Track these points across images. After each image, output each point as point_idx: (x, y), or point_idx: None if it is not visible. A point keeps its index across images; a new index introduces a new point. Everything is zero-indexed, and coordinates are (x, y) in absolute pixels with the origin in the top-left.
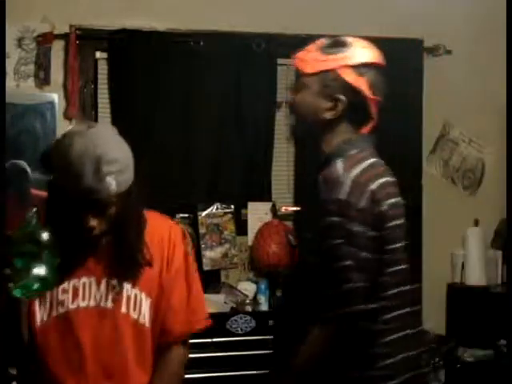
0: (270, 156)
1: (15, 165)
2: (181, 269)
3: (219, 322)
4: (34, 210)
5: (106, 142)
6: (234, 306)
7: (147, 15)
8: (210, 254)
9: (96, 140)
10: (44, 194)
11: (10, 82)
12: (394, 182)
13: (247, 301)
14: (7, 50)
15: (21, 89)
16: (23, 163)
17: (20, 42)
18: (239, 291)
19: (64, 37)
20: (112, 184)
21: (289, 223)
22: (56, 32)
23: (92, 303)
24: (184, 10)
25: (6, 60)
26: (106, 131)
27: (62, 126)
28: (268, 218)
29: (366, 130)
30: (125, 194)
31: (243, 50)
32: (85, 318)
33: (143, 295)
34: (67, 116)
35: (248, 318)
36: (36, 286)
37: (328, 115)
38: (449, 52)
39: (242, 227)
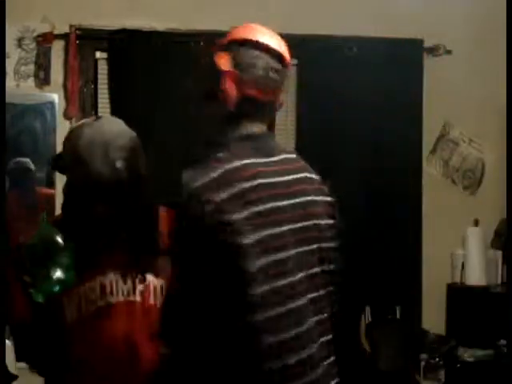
0: None
1: (20, 163)
2: None
3: None
4: (44, 214)
5: (113, 130)
6: None
7: (147, 15)
8: None
9: (103, 129)
10: (50, 191)
11: (10, 82)
12: None
13: None
14: (7, 50)
15: (21, 89)
16: (28, 161)
17: (20, 41)
18: None
19: (64, 37)
20: (121, 169)
21: None
22: (56, 32)
23: (121, 298)
24: (184, 10)
25: (6, 60)
26: (113, 121)
27: (62, 126)
28: None
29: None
30: (136, 181)
31: None
32: (115, 313)
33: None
34: (67, 116)
35: None
36: (56, 288)
37: None
38: (449, 52)
39: None
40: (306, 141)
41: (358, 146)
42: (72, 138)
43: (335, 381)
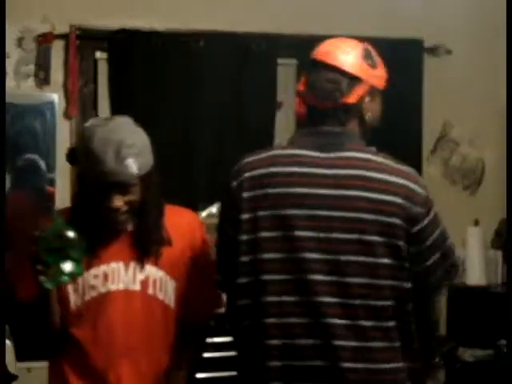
0: None
1: (30, 160)
2: (201, 251)
3: (220, 322)
4: (58, 209)
5: (124, 129)
6: None
7: (147, 15)
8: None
9: (115, 128)
10: (52, 189)
11: (10, 82)
12: None
13: None
14: (7, 50)
15: (21, 89)
16: (37, 158)
17: (20, 41)
18: None
19: (64, 37)
20: (132, 166)
21: None
22: (56, 32)
23: (121, 286)
24: (184, 10)
25: (6, 60)
26: (124, 121)
27: (62, 126)
28: None
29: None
30: (145, 177)
31: (243, 50)
32: (115, 300)
33: (168, 278)
34: (67, 116)
35: None
36: (65, 278)
37: None
38: (449, 52)
39: None
40: None
41: None
42: (85, 135)
43: None
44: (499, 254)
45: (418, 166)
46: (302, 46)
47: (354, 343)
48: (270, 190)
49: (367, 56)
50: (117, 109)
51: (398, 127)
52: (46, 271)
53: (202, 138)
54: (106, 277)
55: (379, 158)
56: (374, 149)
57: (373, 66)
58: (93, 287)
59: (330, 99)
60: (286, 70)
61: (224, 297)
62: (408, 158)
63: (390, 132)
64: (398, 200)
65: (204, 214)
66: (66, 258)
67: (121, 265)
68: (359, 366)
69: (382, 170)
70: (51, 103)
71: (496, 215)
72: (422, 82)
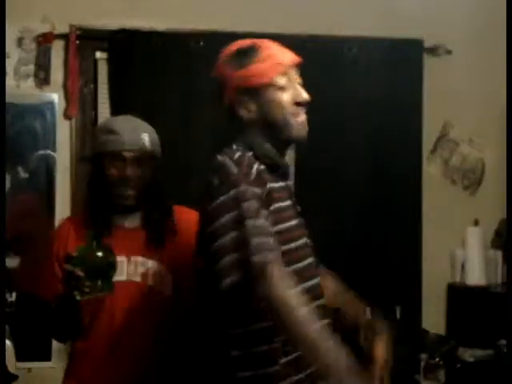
0: None
1: (44, 156)
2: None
3: None
4: (92, 232)
5: (140, 119)
6: None
7: (147, 15)
8: None
9: (132, 117)
10: None
11: (10, 82)
12: None
13: None
14: (7, 50)
15: (21, 89)
16: (53, 154)
17: (20, 41)
18: None
19: (64, 37)
20: (146, 140)
21: None
22: (56, 32)
23: (124, 278)
24: (184, 9)
25: (6, 60)
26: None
27: (62, 126)
28: None
29: None
30: (154, 159)
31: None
32: (119, 289)
33: (167, 271)
34: (67, 116)
35: None
36: (96, 294)
37: None
38: (449, 52)
39: None
40: (306, 140)
41: (357, 146)
42: (106, 125)
43: None
44: (499, 254)
45: (418, 166)
46: (302, 46)
47: None
48: None
49: (233, 57)
50: (117, 109)
51: (398, 127)
52: (79, 286)
53: (201, 138)
54: None
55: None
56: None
57: (240, 66)
58: None
59: None
60: None
61: None
62: (408, 158)
63: (389, 132)
64: None
65: None
66: (98, 274)
67: (124, 259)
68: None
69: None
70: (51, 103)
71: (496, 215)
72: (422, 82)
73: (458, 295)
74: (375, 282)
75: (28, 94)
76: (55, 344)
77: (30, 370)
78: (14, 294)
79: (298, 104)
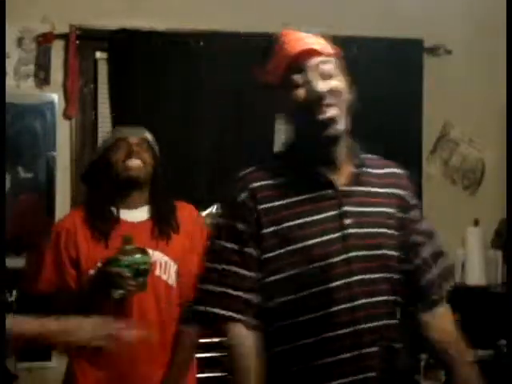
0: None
1: (44, 155)
2: (201, 239)
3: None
4: (130, 236)
5: None
6: None
7: (147, 15)
8: None
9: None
10: None
11: (10, 82)
12: None
13: None
14: (7, 50)
15: (21, 89)
16: (53, 154)
17: (20, 41)
18: None
19: (64, 37)
20: (147, 134)
21: None
22: (56, 32)
23: None
24: (184, 9)
25: (6, 60)
26: None
27: (62, 126)
28: None
29: None
30: (155, 155)
31: (243, 49)
32: None
33: (172, 262)
34: (67, 116)
35: None
36: (138, 292)
37: None
38: (449, 52)
39: None
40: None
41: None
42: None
43: None
44: (499, 254)
45: (418, 166)
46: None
47: None
48: None
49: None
50: (117, 109)
51: (398, 127)
52: (124, 286)
53: (201, 138)
54: None
55: None
56: None
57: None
58: None
59: None
60: None
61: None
62: (408, 157)
63: (389, 132)
64: None
65: (204, 214)
66: (139, 274)
67: None
68: None
69: None
70: (51, 103)
71: (496, 215)
72: (422, 82)
73: (458, 295)
74: None
75: (28, 93)
76: None
77: (30, 369)
78: (14, 294)
79: (314, 99)
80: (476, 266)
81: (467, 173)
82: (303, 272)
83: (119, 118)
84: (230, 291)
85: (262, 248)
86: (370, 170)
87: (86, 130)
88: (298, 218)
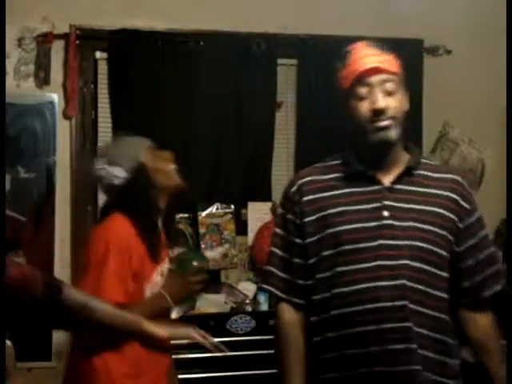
0: (270, 156)
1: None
2: None
3: (219, 322)
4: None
5: None
6: (234, 306)
7: (147, 15)
8: (210, 254)
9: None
10: None
11: (10, 82)
12: None
13: (247, 301)
14: (7, 50)
15: (21, 89)
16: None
17: (20, 41)
18: (239, 291)
19: (64, 37)
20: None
21: None
22: (56, 32)
23: (159, 279)
24: (184, 10)
25: (6, 60)
26: None
27: (62, 126)
28: (268, 218)
29: None
30: None
31: (243, 50)
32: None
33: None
34: (67, 116)
35: (248, 317)
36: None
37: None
38: (449, 52)
39: (242, 227)
40: (306, 141)
41: None
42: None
43: None
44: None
45: None
46: (302, 46)
47: None
48: None
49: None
50: (117, 109)
51: None
52: (205, 288)
53: (201, 138)
54: (163, 274)
55: None
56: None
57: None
58: (155, 283)
59: None
60: (285, 70)
61: None
62: None
63: None
64: None
65: (204, 214)
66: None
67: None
68: None
69: None
70: (51, 103)
71: (496, 215)
72: (421, 81)
73: None
74: None
75: (28, 93)
76: (55, 344)
77: (30, 369)
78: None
79: (374, 112)
80: None
81: (467, 173)
82: (335, 253)
83: (119, 118)
84: (280, 274)
85: (306, 234)
86: (424, 172)
87: (86, 129)
88: (339, 206)
